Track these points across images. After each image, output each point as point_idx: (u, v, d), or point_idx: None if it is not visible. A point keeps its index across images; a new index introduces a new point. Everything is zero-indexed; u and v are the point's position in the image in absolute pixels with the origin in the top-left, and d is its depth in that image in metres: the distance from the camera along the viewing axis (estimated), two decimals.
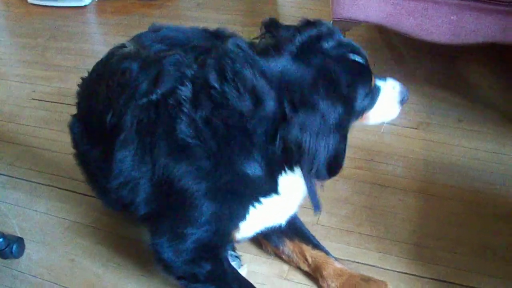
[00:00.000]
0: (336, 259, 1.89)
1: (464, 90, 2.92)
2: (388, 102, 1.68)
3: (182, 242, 1.61)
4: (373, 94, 1.61)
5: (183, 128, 1.49)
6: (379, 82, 1.66)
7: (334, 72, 1.44)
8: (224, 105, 1.45)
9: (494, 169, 2.37)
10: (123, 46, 1.97)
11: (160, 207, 1.65)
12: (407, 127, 2.64)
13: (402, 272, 1.93)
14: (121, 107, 1.66)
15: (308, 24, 1.55)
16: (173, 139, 1.52)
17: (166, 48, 1.88)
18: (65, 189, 2.42)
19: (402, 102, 1.71)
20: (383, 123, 1.78)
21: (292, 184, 1.63)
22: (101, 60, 2.01)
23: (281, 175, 1.58)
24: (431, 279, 1.90)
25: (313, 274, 1.89)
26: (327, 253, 1.90)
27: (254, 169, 1.52)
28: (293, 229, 1.92)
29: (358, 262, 1.98)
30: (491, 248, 1.99)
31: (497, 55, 3.13)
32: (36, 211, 2.33)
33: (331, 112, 1.41)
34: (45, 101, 3.12)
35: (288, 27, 1.57)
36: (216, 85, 1.46)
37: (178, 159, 1.53)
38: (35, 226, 2.25)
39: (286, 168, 1.55)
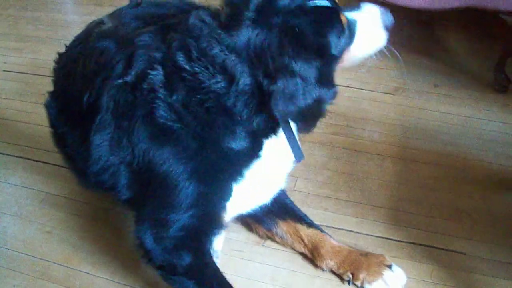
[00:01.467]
0: (331, 236, 1.88)
1: (441, 55, 2.92)
2: (369, 30, 1.58)
3: (165, 229, 1.56)
4: (348, 31, 1.51)
5: (162, 113, 1.45)
6: (352, 14, 1.56)
7: (298, 26, 1.37)
8: (198, 87, 1.41)
9: (470, 133, 2.39)
10: (101, 22, 1.89)
11: (142, 192, 1.60)
12: (383, 92, 2.64)
13: (379, 237, 1.95)
14: (98, 88, 1.60)
15: None
16: (153, 124, 1.47)
17: (142, 26, 1.79)
18: (40, 161, 2.39)
19: (387, 25, 1.61)
20: (372, 55, 1.64)
21: (275, 149, 1.59)
22: (79, 36, 1.93)
23: (267, 139, 1.54)
24: (408, 242, 1.92)
25: (310, 254, 1.87)
26: (321, 230, 1.88)
27: (239, 143, 1.49)
28: (284, 209, 1.90)
29: (335, 228, 1.99)
30: (466, 211, 2.02)
31: (474, 21, 3.12)
32: (10, 183, 2.30)
33: (308, 69, 1.37)
34: (17, 72, 3.05)
35: None
36: (187, 67, 1.41)
37: (161, 144, 1.49)
38: (10, 199, 2.23)
39: (271, 134, 1.53)
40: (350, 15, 1.55)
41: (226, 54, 1.37)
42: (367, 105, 2.59)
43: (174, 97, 1.44)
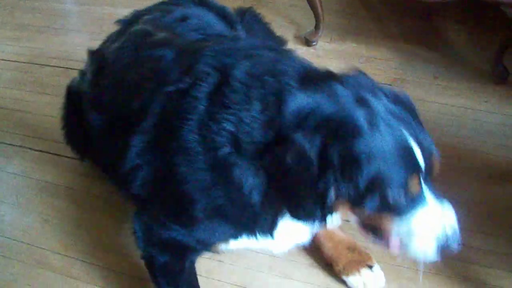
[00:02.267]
0: None
1: (440, 47, 2.91)
2: (424, 230, 1.27)
3: (159, 228, 1.55)
4: (409, 201, 1.27)
5: (194, 128, 1.37)
6: (429, 195, 1.31)
7: (358, 156, 1.22)
8: (229, 114, 1.32)
9: (468, 125, 2.39)
10: (149, 33, 1.80)
11: (158, 194, 1.55)
12: (382, 83, 2.62)
13: None
14: (149, 93, 1.54)
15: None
16: (181, 139, 1.39)
17: (202, 37, 1.75)
18: (39, 150, 2.39)
19: (443, 244, 1.27)
20: (406, 258, 1.36)
21: (288, 231, 1.49)
22: (125, 45, 1.82)
23: (281, 217, 1.43)
24: None
25: None
26: None
27: (255, 197, 1.35)
28: None
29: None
30: (464, 202, 2.01)
31: (473, 12, 3.11)
32: (9, 172, 2.30)
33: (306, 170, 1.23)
34: (15, 61, 3.04)
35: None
36: (230, 94, 1.33)
37: (184, 163, 1.40)
38: (8, 187, 2.23)
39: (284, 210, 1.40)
40: (426, 192, 1.31)
41: (281, 113, 1.26)
42: None
43: (210, 109, 1.36)
